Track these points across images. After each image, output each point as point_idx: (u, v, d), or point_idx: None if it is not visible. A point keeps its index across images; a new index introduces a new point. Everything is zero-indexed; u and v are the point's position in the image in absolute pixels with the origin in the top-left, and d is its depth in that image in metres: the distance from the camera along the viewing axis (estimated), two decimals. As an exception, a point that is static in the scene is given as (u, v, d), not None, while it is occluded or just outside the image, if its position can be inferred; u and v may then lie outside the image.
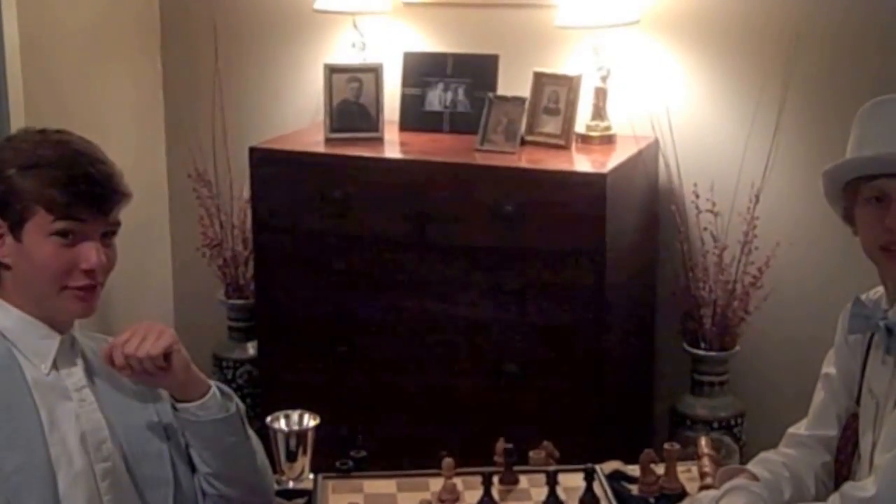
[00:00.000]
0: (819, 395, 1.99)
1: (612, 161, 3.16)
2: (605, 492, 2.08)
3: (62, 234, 1.73)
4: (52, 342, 1.77)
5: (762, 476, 1.91)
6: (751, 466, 1.96)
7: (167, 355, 1.78)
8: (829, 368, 1.97)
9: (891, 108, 1.82)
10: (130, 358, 1.76)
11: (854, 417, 1.90)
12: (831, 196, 1.87)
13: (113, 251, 1.80)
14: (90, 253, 1.74)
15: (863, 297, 1.89)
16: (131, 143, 3.95)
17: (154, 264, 4.10)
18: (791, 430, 2.01)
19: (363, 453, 2.18)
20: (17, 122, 3.34)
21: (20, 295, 1.76)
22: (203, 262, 3.88)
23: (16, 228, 1.74)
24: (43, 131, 1.82)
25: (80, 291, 1.75)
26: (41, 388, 1.75)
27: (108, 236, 1.78)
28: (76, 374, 1.80)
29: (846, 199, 1.84)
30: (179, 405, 1.83)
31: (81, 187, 1.72)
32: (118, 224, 1.79)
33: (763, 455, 1.99)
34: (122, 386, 1.84)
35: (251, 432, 1.91)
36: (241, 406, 1.88)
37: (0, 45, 3.33)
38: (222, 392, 1.87)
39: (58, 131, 1.82)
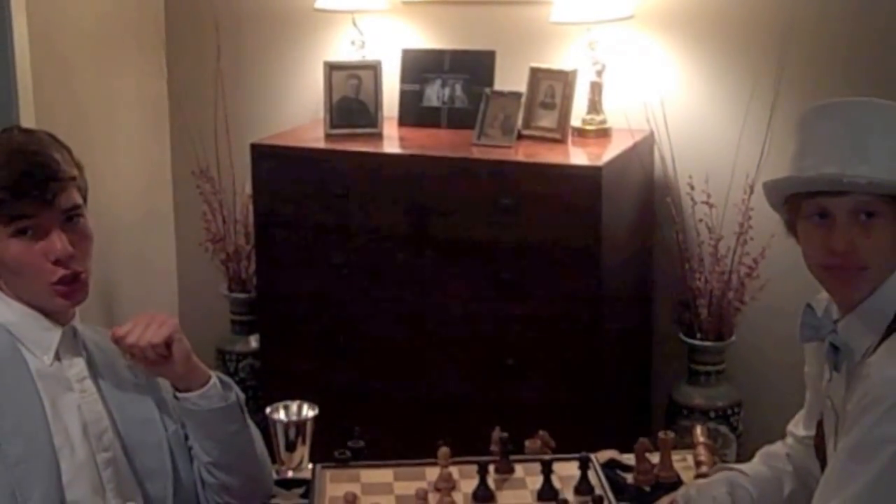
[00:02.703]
0: (807, 393, 1.93)
1: (607, 154, 3.18)
2: (599, 480, 2.07)
3: (21, 232, 1.74)
4: (54, 334, 1.80)
5: (761, 473, 1.89)
6: (755, 460, 1.95)
7: (168, 344, 1.80)
8: (807, 365, 1.91)
9: (829, 117, 1.70)
10: (133, 347, 1.79)
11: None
12: (775, 207, 1.80)
13: (81, 234, 1.78)
14: (53, 244, 1.74)
15: (814, 302, 1.79)
16: (137, 141, 3.99)
17: (158, 259, 4.12)
18: (790, 427, 1.97)
19: (361, 443, 2.18)
20: (28, 120, 3.36)
21: (16, 292, 1.79)
22: (206, 257, 3.91)
23: None
24: None
25: (62, 286, 1.76)
26: (44, 378, 1.77)
27: (71, 220, 1.77)
28: (78, 365, 1.82)
29: (788, 212, 1.76)
30: (180, 395, 1.85)
31: (19, 184, 1.71)
32: (76, 206, 1.77)
33: (767, 448, 1.98)
34: (122, 378, 1.86)
35: (250, 421, 1.93)
36: (241, 395, 1.90)
37: (10, 44, 3.35)
38: (222, 381, 1.88)
39: (3, 130, 1.82)
